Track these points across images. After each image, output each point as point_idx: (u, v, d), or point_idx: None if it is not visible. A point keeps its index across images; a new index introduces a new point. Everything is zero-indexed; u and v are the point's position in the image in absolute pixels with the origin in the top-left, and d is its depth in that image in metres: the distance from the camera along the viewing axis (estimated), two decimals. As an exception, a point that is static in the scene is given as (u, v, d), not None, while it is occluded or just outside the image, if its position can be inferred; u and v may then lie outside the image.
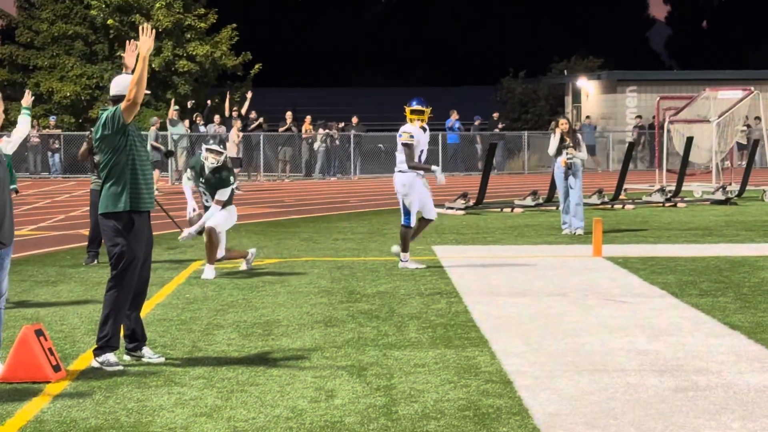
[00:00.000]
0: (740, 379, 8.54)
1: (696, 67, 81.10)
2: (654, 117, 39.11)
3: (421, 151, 15.55)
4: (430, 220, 15.85)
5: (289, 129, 40.91)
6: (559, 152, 20.31)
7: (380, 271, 15.05)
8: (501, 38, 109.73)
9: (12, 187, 11.54)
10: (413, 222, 15.58)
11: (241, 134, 36.17)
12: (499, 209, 25.49)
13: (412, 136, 15.40)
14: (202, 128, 38.84)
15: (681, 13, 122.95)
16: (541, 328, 10.75)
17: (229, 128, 38.47)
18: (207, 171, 14.58)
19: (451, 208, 25.05)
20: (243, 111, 39.92)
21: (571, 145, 20.18)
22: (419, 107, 15.66)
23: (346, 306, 12.13)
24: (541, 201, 25.93)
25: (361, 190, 34.39)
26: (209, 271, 14.53)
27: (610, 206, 26.20)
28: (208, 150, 14.55)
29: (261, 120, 40.70)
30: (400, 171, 15.49)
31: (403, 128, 15.59)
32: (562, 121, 20.54)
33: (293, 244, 18.70)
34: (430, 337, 10.29)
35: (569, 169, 20.19)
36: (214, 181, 14.64)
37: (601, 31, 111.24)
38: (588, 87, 51.12)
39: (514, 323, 11.06)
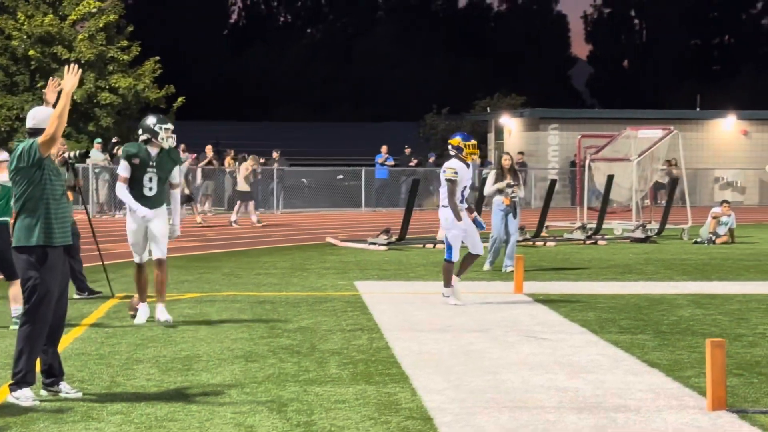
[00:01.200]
0: (658, 417, 8.61)
1: (617, 106, 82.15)
2: (575, 155, 39.45)
3: (464, 187, 15.56)
4: (476, 256, 15.70)
5: (210, 162, 40.74)
6: (498, 190, 20.14)
7: (302, 307, 15.00)
8: (424, 75, 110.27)
9: None
10: (455, 257, 15.52)
11: (250, 168, 35.61)
12: (421, 245, 25.53)
13: (456, 173, 15.39)
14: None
15: (602, 52, 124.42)
16: (462, 365, 10.76)
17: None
18: (163, 151, 13.31)
19: (374, 244, 25.05)
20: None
21: (514, 183, 20.12)
22: (470, 142, 15.73)
23: (267, 341, 12.07)
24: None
25: (283, 224, 34.29)
26: (145, 311, 13.56)
27: (531, 243, 26.35)
28: (165, 129, 13.32)
29: (192, 156, 40.46)
30: (443, 206, 15.47)
31: (447, 164, 15.56)
32: (504, 158, 20.46)
33: (214, 279, 18.60)
34: (351, 373, 10.26)
35: (513, 209, 20.14)
36: (169, 162, 13.44)
37: (524, 69, 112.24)
38: (511, 124, 51.50)
39: (435, 359, 11.06)
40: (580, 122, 48.52)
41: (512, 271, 19.47)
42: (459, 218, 15.24)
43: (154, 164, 13.34)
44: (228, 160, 41.07)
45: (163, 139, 13.35)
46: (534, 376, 10.17)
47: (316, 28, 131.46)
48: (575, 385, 9.79)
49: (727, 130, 50.08)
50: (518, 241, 25.52)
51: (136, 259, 13.55)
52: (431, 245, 25.46)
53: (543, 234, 27.29)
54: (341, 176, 44.26)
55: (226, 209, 40.45)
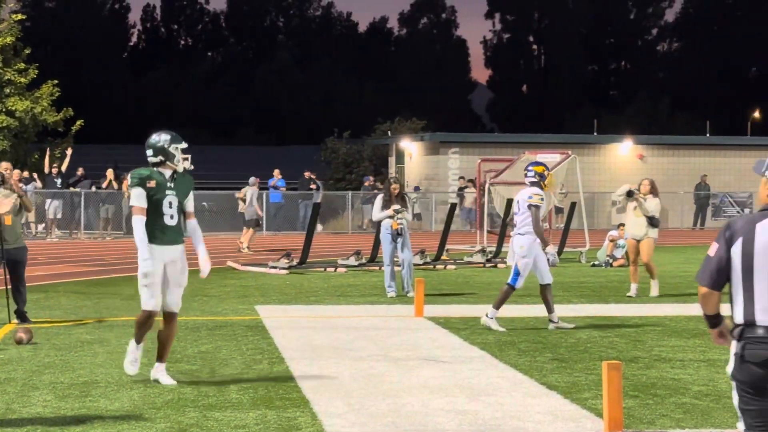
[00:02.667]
0: None
1: (516, 130, 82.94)
2: (476, 178, 39.76)
3: (544, 216, 15.56)
4: (548, 285, 15.66)
5: (110, 186, 40.39)
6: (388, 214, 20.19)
7: (202, 331, 14.91)
8: (326, 99, 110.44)
9: None
10: (520, 284, 15.47)
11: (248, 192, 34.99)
12: (322, 269, 25.52)
13: (542, 199, 15.35)
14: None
15: (502, 77, 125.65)
16: (363, 389, 10.77)
17: (50, 185, 37.77)
18: (177, 174, 11.23)
19: (275, 268, 24.99)
20: (63, 168, 39.31)
21: (402, 209, 20.16)
22: (549, 172, 15.76)
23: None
24: (364, 261, 26.06)
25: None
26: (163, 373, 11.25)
27: (432, 267, 26.47)
28: (181, 150, 11.36)
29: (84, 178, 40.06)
30: (519, 233, 15.37)
31: (533, 190, 15.42)
32: (394, 185, 20.47)
33: (113, 304, 18.41)
34: (252, 398, 10.22)
35: (399, 234, 20.16)
36: (186, 184, 11.39)
37: (425, 93, 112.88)
38: (411, 148, 51.75)
39: (335, 384, 11.07)
40: (480, 146, 48.90)
41: (406, 295, 19.59)
42: (547, 243, 15.36)
43: (173, 186, 11.21)
44: (126, 184, 40.75)
45: (178, 161, 11.28)
46: (434, 400, 10.21)
47: (217, 51, 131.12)
48: (475, 408, 9.85)
49: (623, 154, 50.79)
50: (419, 265, 25.65)
51: (149, 305, 11.18)
52: (332, 269, 25.46)
53: (443, 257, 27.44)
54: (205, 204, 43.95)
55: (124, 233, 40.08)
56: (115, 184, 40.57)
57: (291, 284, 22.28)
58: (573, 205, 31.45)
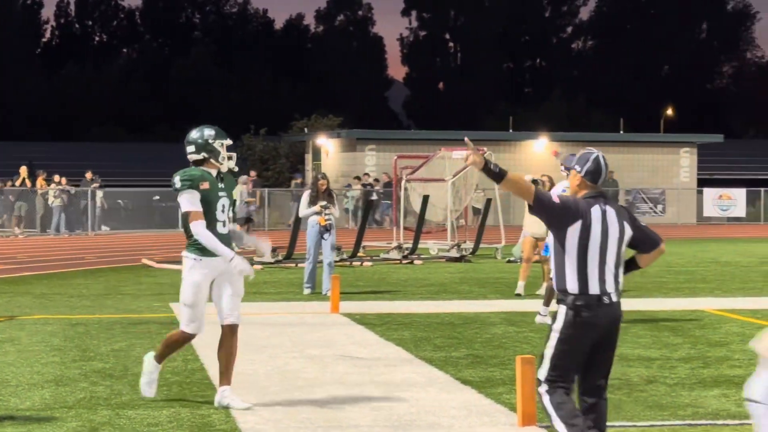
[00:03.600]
0: None
1: (432, 127, 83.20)
2: (392, 175, 39.81)
3: None
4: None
5: (23, 183, 39.91)
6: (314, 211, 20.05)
7: (116, 329, 14.78)
8: (242, 95, 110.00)
9: None
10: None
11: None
12: (238, 266, 25.36)
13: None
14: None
15: (418, 74, 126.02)
16: (278, 385, 10.74)
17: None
18: (223, 174, 10.11)
19: (190, 265, 24.80)
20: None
21: (329, 205, 20.07)
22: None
23: (79, 365, 11.85)
24: (280, 258, 26.00)
25: (98, 246, 33.75)
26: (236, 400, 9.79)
27: (348, 263, 26.47)
28: (228, 147, 10.24)
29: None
30: None
31: (566, 184, 15.28)
32: (321, 181, 20.33)
33: (25, 302, 18.18)
34: (165, 396, 10.14)
35: (327, 230, 20.06)
36: (232, 183, 10.30)
37: (341, 90, 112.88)
38: (328, 145, 51.71)
39: (250, 380, 11.02)
40: (396, 143, 48.99)
41: (325, 294, 19.51)
42: None
43: (223, 187, 9.99)
44: (40, 181, 40.29)
45: (223, 159, 10.06)
46: (349, 395, 10.21)
47: (132, 48, 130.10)
48: (390, 404, 9.86)
49: (538, 151, 51.18)
50: (335, 262, 25.61)
51: (191, 329, 9.91)
52: (248, 266, 25.34)
53: (360, 254, 27.45)
54: (158, 197, 43.78)
55: (39, 231, 39.62)
56: (28, 183, 40.08)
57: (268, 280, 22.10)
58: (488, 201, 31.59)
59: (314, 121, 59.90)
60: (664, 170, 52.90)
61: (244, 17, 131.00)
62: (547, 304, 15.55)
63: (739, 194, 51.98)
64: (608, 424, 8.86)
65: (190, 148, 10.06)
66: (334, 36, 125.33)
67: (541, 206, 7.34)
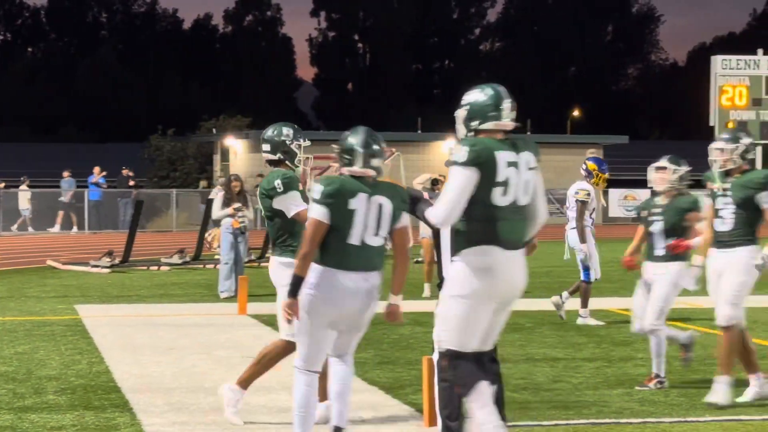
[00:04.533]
0: (377, 434, 8.72)
1: (341, 128, 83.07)
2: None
3: (593, 210, 15.58)
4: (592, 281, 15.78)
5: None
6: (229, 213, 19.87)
7: (19, 332, 14.58)
8: (150, 96, 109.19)
9: None
10: (594, 277, 15.53)
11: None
12: (145, 267, 25.22)
13: (588, 194, 15.39)
14: None
15: (327, 75, 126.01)
16: (184, 387, 10.67)
17: None
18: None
19: (96, 267, 24.58)
20: None
21: (243, 207, 19.92)
22: (606, 176, 15.79)
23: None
24: (188, 259, 25.84)
25: (1, 247, 33.28)
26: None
27: (257, 264, 26.38)
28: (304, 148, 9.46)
29: None
30: (573, 228, 15.48)
31: (580, 185, 15.57)
32: (234, 183, 20.16)
33: (-73, 305, 17.87)
34: (69, 399, 10.03)
35: (242, 232, 19.91)
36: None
37: (250, 91, 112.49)
38: (236, 146, 51.49)
39: (156, 383, 10.94)
40: (305, 144, 48.87)
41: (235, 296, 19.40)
42: (584, 240, 15.39)
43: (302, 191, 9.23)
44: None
45: (299, 162, 9.37)
46: (256, 398, 10.16)
47: (38, 47, 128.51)
48: (297, 405, 9.82)
49: (446, 151, 51.38)
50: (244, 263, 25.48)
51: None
52: (155, 267, 25.18)
53: (268, 254, 27.34)
54: (63, 198, 43.29)
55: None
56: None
57: (113, 283, 21.95)
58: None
59: (222, 121, 59.58)
60: (570, 171, 53.37)
61: (152, 17, 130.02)
62: (584, 305, 15.67)
63: (644, 195, 52.56)
64: (515, 423, 8.93)
65: (266, 147, 9.31)
66: (243, 36, 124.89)
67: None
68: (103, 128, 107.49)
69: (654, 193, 11.25)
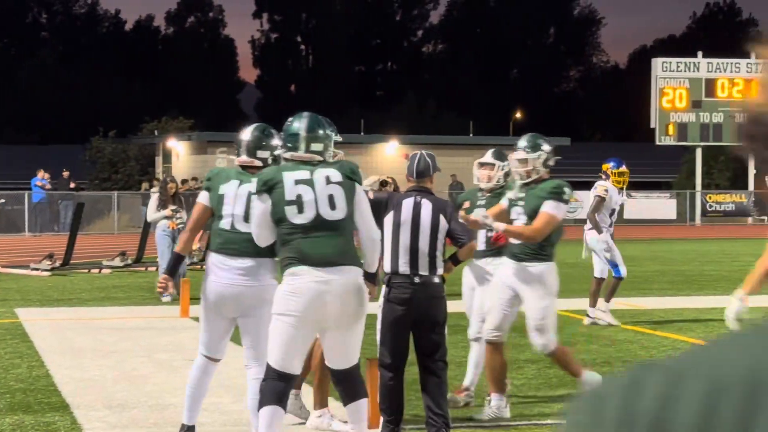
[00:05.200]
0: (320, 436, 8.71)
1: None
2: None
3: (613, 210, 15.64)
4: (602, 279, 15.88)
5: None
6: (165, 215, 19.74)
7: (-42, 336, 14.43)
8: (91, 96, 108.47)
9: None
10: (624, 273, 15.63)
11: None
12: (86, 270, 25.03)
13: (606, 190, 15.45)
14: None
15: (270, 77, 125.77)
16: (125, 391, 10.60)
17: None
18: None
19: (37, 269, 24.37)
20: None
21: (180, 209, 19.80)
22: (622, 169, 15.75)
23: None
24: (129, 262, 25.68)
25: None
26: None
27: (199, 266, 26.23)
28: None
29: None
30: (590, 228, 15.57)
31: (601, 183, 15.62)
32: (170, 185, 20.03)
33: None
34: (9, 403, 9.94)
35: (179, 233, 19.76)
36: None
37: (192, 92, 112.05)
38: (178, 147, 51.25)
39: (97, 386, 10.86)
40: (248, 146, 48.75)
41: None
42: (600, 231, 15.43)
43: None
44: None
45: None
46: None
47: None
48: (239, 408, 9.81)
49: (390, 154, 51.48)
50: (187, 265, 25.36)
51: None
52: (97, 270, 25.01)
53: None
54: (2, 200, 42.90)
55: None
56: None
57: (53, 286, 21.77)
58: None
59: (165, 123, 59.27)
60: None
61: (93, 18, 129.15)
62: (608, 300, 15.77)
63: (585, 197, 52.90)
64: (457, 425, 8.95)
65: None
66: (185, 38, 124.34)
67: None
68: (44, 130, 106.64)
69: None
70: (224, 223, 7.98)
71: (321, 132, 7.73)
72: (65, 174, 45.29)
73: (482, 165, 10.35)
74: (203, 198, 8.17)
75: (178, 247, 8.35)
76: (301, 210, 7.32)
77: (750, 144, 1.24)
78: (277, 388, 7.46)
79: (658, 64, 49.81)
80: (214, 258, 8.08)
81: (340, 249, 7.32)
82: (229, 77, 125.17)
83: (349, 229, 7.40)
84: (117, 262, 25.62)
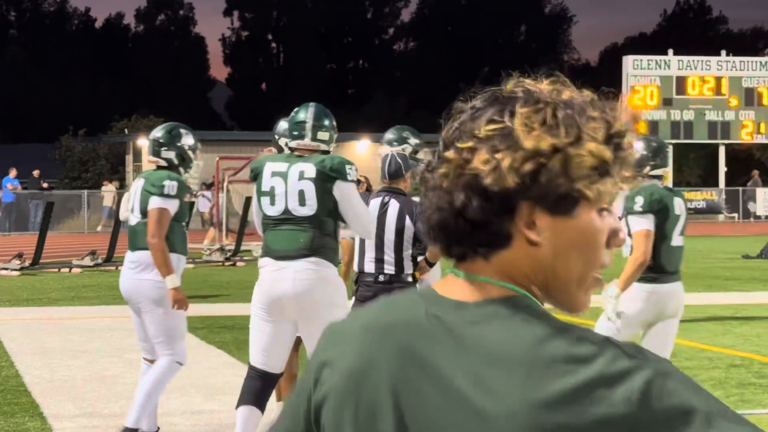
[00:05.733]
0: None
1: (256, 128, 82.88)
2: (214, 177, 39.51)
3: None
4: None
5: None
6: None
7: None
8: (61, 95, 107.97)
9: None
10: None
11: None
12: (56, 269, 24.88)
13: None
14: None
15: (241, 74, 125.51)
16: (96, 391, 10.52)
17: None
18: None
19: (6, 269, 24.20)
20: None
21: None
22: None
23: None
24: (100, 261, 25.54)
25: None
26: None
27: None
28: None
29: None
30: None
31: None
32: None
33: None
34: (-22, 404, 9.84)
35: None
36: None
37: (163, 91, 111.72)
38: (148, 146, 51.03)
39: (67, 386, 10.77)
40: (218, 144, 48.59)
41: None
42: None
43: None
44: None
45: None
46: (170, 400, 10.04)
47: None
48: (211, 408, 9.75)
49: (361, 152, 51.40)
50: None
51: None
52: (67, 269, 24.86)
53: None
54: None
55: None
56: None
57: (23, 286, 21.62)
58: (248, 200, 31.57)
59: (135, 121, 59.05)
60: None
61: (62, 15, 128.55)
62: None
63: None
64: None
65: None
66: (155, 36, 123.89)
67: None
68: (13, 128, 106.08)
69: None
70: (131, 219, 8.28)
71: (327, 122, 7.74)
72: (36, 173, 45.03)
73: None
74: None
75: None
76: (273, 202, 7.40)
77: None
78: (254, 387, 7.43)
79: (629, 61, 49.92)
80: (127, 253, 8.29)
81: (304, 244, 7.34)
82: (200, 75, 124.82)
83: (320, 225, 7.37)
84: (87, 261, 25.48)
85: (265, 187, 7.43)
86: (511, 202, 1.71)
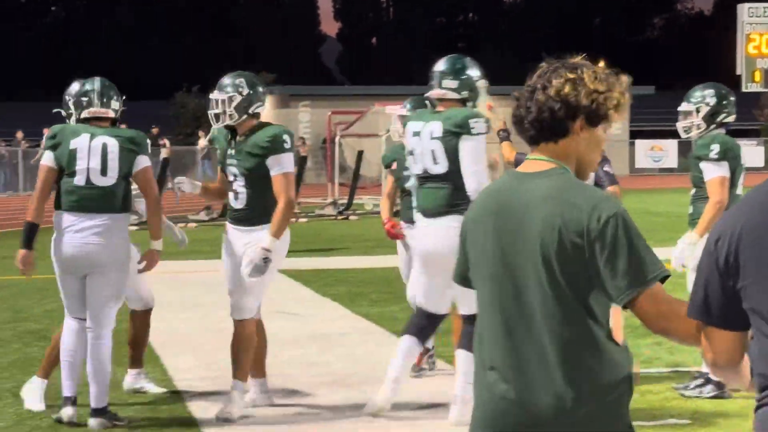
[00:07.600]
0: (408, 386, 8.67)
1: (366, 83, 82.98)
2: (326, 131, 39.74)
3: None
4: None
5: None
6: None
7: (48, 290, 14.60)
8: (172, 53, 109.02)
9: None
10: None
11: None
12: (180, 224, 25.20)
13: None
14: None
15: (351, 30, 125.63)
16: (212, 343, 10.68)
17: None
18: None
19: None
20: None
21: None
22: None
23: (11, 326, 11.73)
24: (215, 215, 25.85)
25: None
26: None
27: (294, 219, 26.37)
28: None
29: None
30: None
31: None
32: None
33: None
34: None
35: None
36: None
37: (274, 47, 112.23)
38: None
39: (184, 338, 10.97)
40: (330, 99, 48.85)
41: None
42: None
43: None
44: None
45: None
46: (286, 351, 10.18)
47: (59, 5, 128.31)
48: (326, 359, 9.86)
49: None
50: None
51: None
52: (183, 224, 25.21)
53: (295, 210, 27.35)
54: None
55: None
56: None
57: (138, 241, 21.91)
58: (360, 154, 31.39)
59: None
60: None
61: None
62: None
63: (671, 145, 52.38)
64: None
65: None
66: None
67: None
68: (128, 86, 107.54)
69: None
70: (78, 179, 7.73)
71: (456, 70, 8.30)
72: (155, 130, 45.65)
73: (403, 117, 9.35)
74: (47, 159, 7.78)
75: (30, 216, 7.89)
76: (416, 161, 8.03)
77: None
78: (419, 323, 7.98)
79: (744, 9, 48.94)
80: (66, 217, 7.80)
81: (444, 201, 7.77)
82: (310, 31, 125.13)
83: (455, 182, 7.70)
84: (202, 215, 25.80)
85: (409, 147, 7.84)
86: (576, 113, 3.50)
